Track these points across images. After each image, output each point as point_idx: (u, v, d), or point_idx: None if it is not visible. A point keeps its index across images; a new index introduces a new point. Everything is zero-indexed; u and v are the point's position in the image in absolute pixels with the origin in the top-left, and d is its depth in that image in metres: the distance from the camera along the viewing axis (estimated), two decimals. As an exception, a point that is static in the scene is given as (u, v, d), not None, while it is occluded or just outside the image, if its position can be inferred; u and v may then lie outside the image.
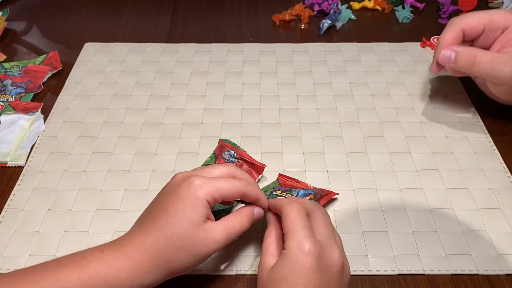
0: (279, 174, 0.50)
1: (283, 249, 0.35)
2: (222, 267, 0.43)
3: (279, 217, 0.39)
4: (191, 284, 0.43)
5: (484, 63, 0.50)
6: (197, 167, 0.42)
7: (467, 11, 0.76)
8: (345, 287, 0.36)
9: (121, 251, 0.36)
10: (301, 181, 0.49)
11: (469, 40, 0.54)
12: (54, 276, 0.34)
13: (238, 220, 0.39)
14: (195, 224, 0.36)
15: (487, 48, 0.53)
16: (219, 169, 0.40)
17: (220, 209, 0.46)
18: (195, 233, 0.36)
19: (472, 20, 0.52)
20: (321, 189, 0.48)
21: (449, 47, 0.52)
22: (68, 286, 0.34)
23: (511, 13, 0.52)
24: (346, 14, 0.76)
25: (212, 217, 0.38)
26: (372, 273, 0.43)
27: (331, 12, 0.74)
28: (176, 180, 0.39)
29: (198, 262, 0.37)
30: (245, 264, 0.44)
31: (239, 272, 0.43)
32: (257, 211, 0.41)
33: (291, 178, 0.49)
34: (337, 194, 0.49)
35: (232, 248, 0.45)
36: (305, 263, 0.34)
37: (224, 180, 0.38)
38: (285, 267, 0.34)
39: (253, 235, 0.46)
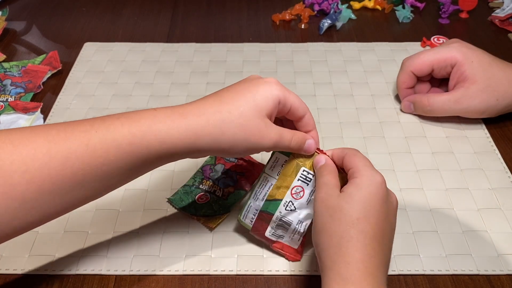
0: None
1: (352, 179, 0.37)
2: (222, 267, 0.43)
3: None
4: (191, 284, 0.43)
5: (436, 108, 0.56)
6: None
7: (468, 11, 0.76)
8: (395, 227, 0.38)
9: (175, 111, 0.35)
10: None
11: (429, 74, 0.57)
12: (104, 127, 0.34)
13: (290, 135, 0.39)
14: (260, 111, 0.36)
15: (448, 77, 0.56)
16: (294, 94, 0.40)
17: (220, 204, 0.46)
18: (257, 118, 0.36)
19: (418, 63, 0.56)
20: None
21: (407, 99, 0.59)
22: (118, 137, 0.34)
23: (457, 48, 0.55)
24: (346, 14, 0.76)
25: (273, 119, 0.38)
26: (372, 273, 0.43)
27: (331, 11, 0.74)
28: (254, 76, 0.39)
29: (245, 151, 0.37)
30: (245, 264, 0.44)
31: (239, 272, 0.43)
32: (310, 142, 0.40)
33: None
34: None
35: (233, 248, 0.45)
36: (377, 192, 0.36)
37: (298, 97, 0.39)
38: (360, 193, 0.36)
39: (253, 236, 0.46)
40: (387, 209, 0.37)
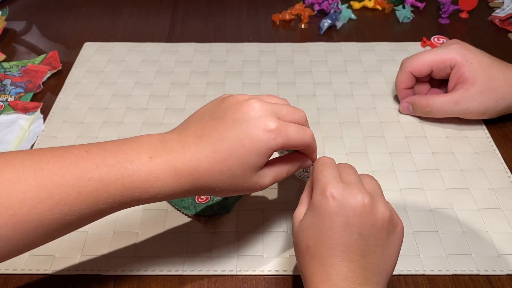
0: None
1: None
2: (222, 267, 0.43)
3: None
4: (191, 284, 0.43)
5: (436, 109, 0.56)
6: (268, 96, 0.39)
7: (468, 11, 0.76)
8: (385, 231, 0.35)
9: (171, 165, 0.35)
10: None
11: (428, 75, 0.57)
12: (97, 175, 0.33)
13: (287, 168, 0.38)
14: (253, 169, 0.36)
15: (447, 78, 0.56)
16: (291, 113, 0.37)
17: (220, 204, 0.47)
18: (249, 176, 0.36)
19: (417, 64, 0.56)
20: None
21: (405, 100, 0.58)
22: (110, 190, 0.33)
23: (456, 49, 0.55)
24: (346, 14, 0.76)
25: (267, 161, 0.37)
26: (372, 273, 0.43)
27: (331, 11, 0.74)
28: (253, 110, 0.36)
29: (234, 195, 0.38)
30: (245, 264, 0.44)
31: (239, 272, 0.43)
32: (306, 164, 0.40)
33: None
34: None
35: (233, 248, 0.45)
36: (327, 207, 0.34)
37: (297, 131, 0.37)
38: (311, 214, 0.35)
39: (253, 235, 0.46)
40: (345, 223, 0.34)
